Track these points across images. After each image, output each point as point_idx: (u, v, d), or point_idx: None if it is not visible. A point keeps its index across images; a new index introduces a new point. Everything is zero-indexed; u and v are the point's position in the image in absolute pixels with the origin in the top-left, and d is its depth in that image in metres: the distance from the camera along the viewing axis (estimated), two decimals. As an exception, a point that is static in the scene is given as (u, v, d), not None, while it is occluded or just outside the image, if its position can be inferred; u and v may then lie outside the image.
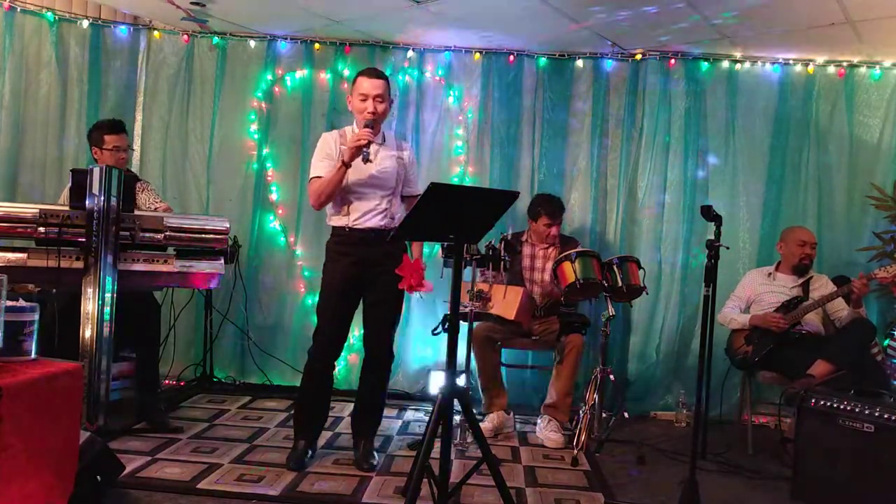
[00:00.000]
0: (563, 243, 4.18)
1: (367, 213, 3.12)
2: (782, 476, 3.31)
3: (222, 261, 3.47)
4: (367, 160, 2.98)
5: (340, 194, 3.10)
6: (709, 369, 3.33)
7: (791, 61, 4.46)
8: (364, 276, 3.15)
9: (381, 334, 3.25)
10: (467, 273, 3.42)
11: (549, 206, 4.13)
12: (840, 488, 2.94)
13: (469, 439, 3.44)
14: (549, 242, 4.19)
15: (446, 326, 3.03)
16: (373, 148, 3.07)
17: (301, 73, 4.76)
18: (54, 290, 3.33)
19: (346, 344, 3.37)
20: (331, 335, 3.19)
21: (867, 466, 2.88)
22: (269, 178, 4.78)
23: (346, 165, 2.99)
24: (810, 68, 4.44)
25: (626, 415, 3.85)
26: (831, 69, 4.44)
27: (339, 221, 3.15)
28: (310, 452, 3.24)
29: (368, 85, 3.08)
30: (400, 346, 4.66)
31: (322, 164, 3.11)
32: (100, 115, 4.59)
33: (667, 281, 4.53)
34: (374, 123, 3.04)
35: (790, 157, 4.49)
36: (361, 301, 3.25)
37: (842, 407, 2.99)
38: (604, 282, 3.72)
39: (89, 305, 3.11)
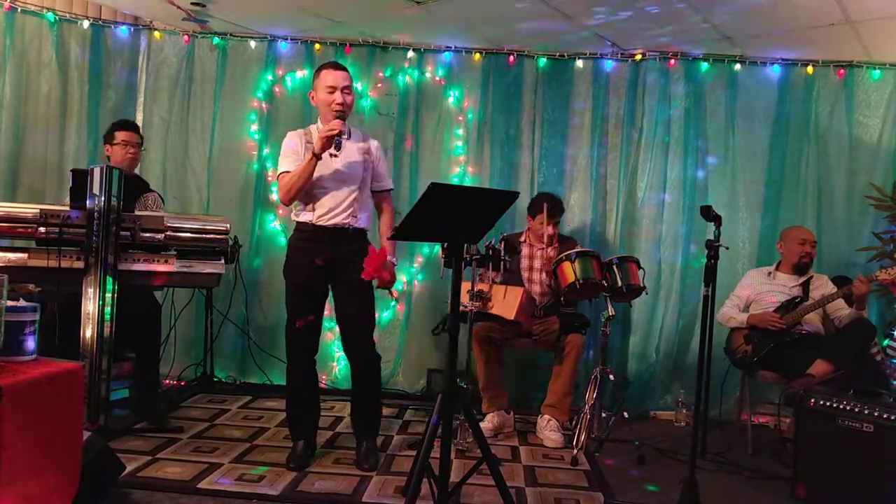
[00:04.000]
0: (563, 243, 4.18)
1: (333, 210, 3.12)
2: (782, 476, 3.31)
3: (223, 261, 3.47)
4: (339, 147, 2.99)
5: (307, 190, 3.10)
6: (708, 369, 3.33)
7: (791, 61, 4.46)
8: (328, 272, 3.14)
9: (361, 335, 3.24)
10: (467, 273, 3.42)
11: (548, 203, 4.13)
12: (840, 488, 2.94)
13: (469, 439, 3.45)
14: (545, 242, 4.18)
15: (446, 326, 3.04)
16: (343, 139, 3.10)
17: (301, 74, 4.76)
18: (55, 290, 3.34)
19: (340, 342, 3.37)
20: (306, 333, 3.18)
21: (867, 466, 2.88)
22: (269, 179, 4.78)
23: (317, 157, 3.00)
24: (810, 68, 4.44)
25: (625, 414, 3.86)
26: (831, 69, 4.44)
27: (303, 217, 3.16)
28: (309, 452, 3.24)
29: (335, 77, 3.10)
30: (400, 346, 4.68)
31: (289, 160, 3.11)
32: (101, 115, 4.61)
33: (666, 281, 4.53)
34: (344, 116, 3.06)
35: (790, 157, 4.49)
36: (334, 303, 3.24)
37: (841, 407, 2.99)
38: (603, 282, 3.72)
39: (90, 305, 3.11)
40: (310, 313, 3.17)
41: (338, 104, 3.06)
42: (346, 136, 3.09)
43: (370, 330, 3.29)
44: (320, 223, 3.12)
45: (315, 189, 3.11)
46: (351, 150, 3.16)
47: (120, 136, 3.71)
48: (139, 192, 3.73)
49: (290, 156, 3.12)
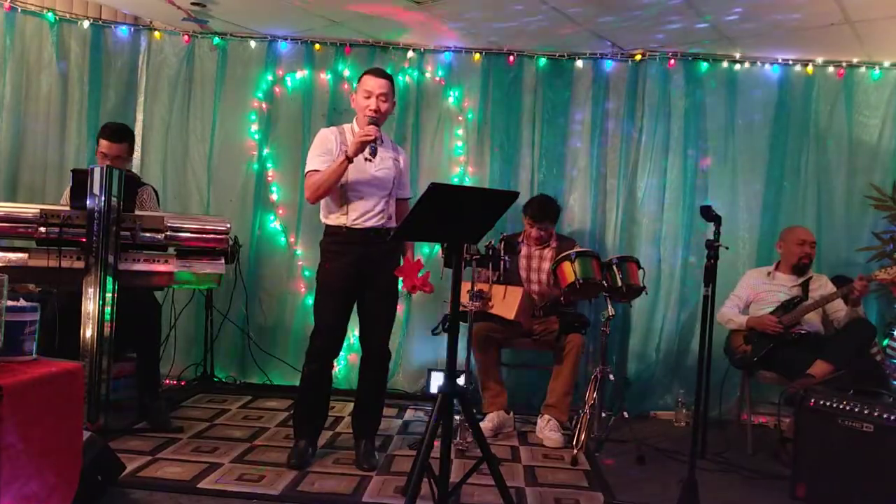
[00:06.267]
0: (562, 243, 4.18)
1: (367, 214, 3.13)
2: (781, 476, 3.31)
3: (223, 261, 3.47)
4: (374, 154, 2.99)
5: (340, 193, 3.11)
6: (708, 369, 3.33)
7: (790, 61, 4.46)
8: (361, 275, 3.16)
9: (379, 333, 3.27)
10: (467, 273, 3.42)
11: (532, 208, 4.13)
12: (839, 488, 2.95)
13: (469, 439, 3.45)
14: (534, 243, 4.19)
15: (446, 326, 3.04)
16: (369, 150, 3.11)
17: (301, 74, 4.77)
18: (55, 290, 3.34)
19: (345, 343, 3.39)
20: (330, 335, 3.20)
21: (866, 466, 2.88)
22: (269, 179, 4.79)
23: (349, 160, 3.00)
24: (809, 68, 4.45)
25: (625, 414, 3.85)
26: (831, 69, 4.45)
27: (336, 220, 3.16)
28: (310, 452, 3.25)
29: (373, 83, 3.11)
30: (400, 346, 4.68)
31: (320, 159, 3.12)
32: (101, 115, 4.60)
33: (666, 281, 4.53)
34: (377, 122, 3.06)
35: (790, 158, 4.49)
36: (360, 298, 3.25)
37: (841, 407, 2.99)
38: (603, 282, 3.72)
39: (90, 305, 3.11)
40: (339, 318, 3.19)
41: (371, 110, 3.08)
42: (379, 143, 3.07)
43: (391, 326, 3.34)
44: (355, 226, 3.13)
45: (350, 192, 3.12)
46: (385, 158, 3.17)
47: (102, 146, 3.65)
48: (134, 189, 3.71)
49: (323, 155, 3.12)
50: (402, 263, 3.21)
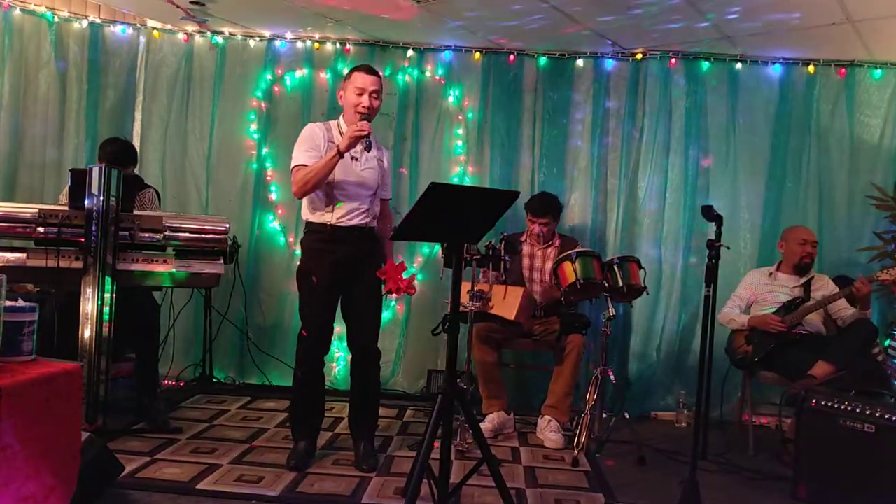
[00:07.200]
0: (563, 243, 4.17)
1: (352, 212, 3.13)
2: (783, 476, 3.30)
3: (222, 261, 3.46)
4: (369, 149, 3.02)
5: (326, 191, 3.10)
6: (709, 369, 3.31)
7: (792, 61, 4.45)
8: (347, 272, 3.15)
9: (367, 332, 3.26)
10: (467, 273, 3.41)
11: (533, 203, 4.14)
12: (840, 489, 2.94)
13: (469, 440, 3.44)
14: (536, 241, 4.18)
15: (446, 326, 3.04)
16: (362, 146, 3.12)
17: (301, 73, 4.76)
18: (53, 290, 3.33)
19: (345, 343, 3.38)
20: (321, 335, 3.19)
21: (868, 467, 2.88)
22: (268, 178, 4.78)
23: (341, 155, 3.00)
24: (811, 68, 4.44)
25: (626, 415, 3.84)
26: (832, 69, 4.43)
27: (320, 218, 3.14)
28: (310, 453, 3.23)
29: (366, 80, 3.11)
30: (400, 346, 4.68)
31: (309, 154, 3.10)
32: (99, 114, 4.60)
33: (667, 281, 4.52)
34: (369, 119, 3.07)
35: (791, 157, 4.48)
36: (344, 298, 3.24)
37: (842, 407, 2.98)
38: (604, 282, 3.71)
39: (88, 305, 3.10)
40: (327, 316, 3.18)
41: (363, 107, 3.08)
42: (371, 139, 3.08)
43: (379, 324, 3.33)
44: (340, 224, 3.12)
45: (336, 190, 3.11)
46: (370, 157, 3.18)
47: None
48: (135, 191, 3.70)
49: (311, 150, 3.11)
50: (384, 264, 3.19)
